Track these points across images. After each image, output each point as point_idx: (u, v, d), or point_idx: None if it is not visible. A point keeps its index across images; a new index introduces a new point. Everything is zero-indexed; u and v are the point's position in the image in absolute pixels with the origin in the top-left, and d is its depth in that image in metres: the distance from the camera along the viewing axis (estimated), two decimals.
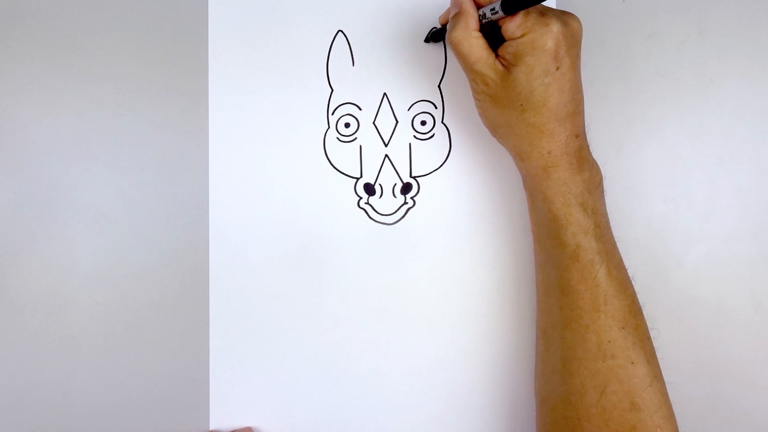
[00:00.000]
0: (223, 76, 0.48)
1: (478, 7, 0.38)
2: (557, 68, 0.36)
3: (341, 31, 0.48)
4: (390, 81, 0.47)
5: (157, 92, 0.48)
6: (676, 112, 0.46)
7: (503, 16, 0.36)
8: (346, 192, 0.48)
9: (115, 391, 0.48)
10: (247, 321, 0.48)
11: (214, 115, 0.48)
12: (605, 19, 0.46)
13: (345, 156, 0.48)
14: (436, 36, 0.46)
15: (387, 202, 0.47)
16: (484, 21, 0.38)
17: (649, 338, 0.38)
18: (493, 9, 0.37)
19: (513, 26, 0.36)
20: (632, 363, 0.37)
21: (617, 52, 0.46)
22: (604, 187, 0.40)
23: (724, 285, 0.46)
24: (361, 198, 0.48)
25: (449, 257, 0.47)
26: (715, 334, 0.46)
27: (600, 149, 0.46)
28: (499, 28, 0.37)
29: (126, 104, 0.48)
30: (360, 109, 0.48)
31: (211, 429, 0.48)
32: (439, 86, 0.47)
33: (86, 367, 0.47)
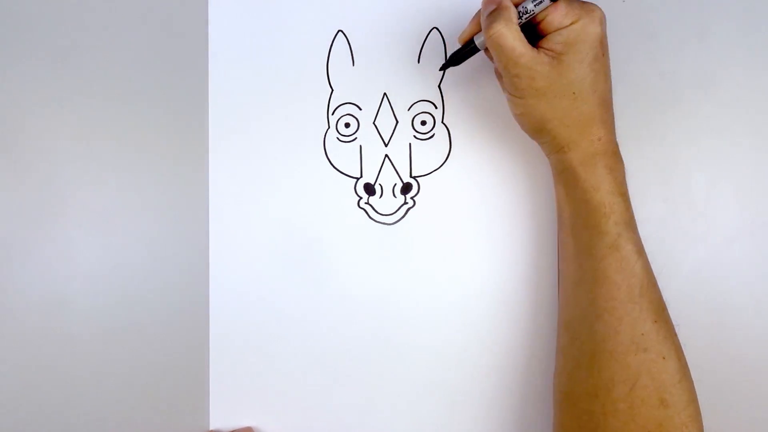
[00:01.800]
0: (223, 75, 0.48)
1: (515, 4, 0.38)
2: (603, 54, 0.37)
3: (341, 31, 0.48)
4: (390, 81, 0.47)
5: (157, 92, 0.48)
6: (676, 112, 0.46)
7: (548, 5, 0.36)
8: (346, 192, 0.48)
9: (115, 391, 0.47)
10: (247, 321, 0.48)
11: (214, 115, 0.48)
12: (605, 19, 0.46)
13: (345, 156, 0.48)
14: (457, 57, 0.43)
15: (387, 202, 0.47)
16: (523, 18, 0.37)
17: (676, 334, 0.38)
18: (537, 1, 0.37)
19: (560, 15, 0.36)
20: (663, 358, 0.36)
21: (617, 52, 0.46)
22: None
23: (724, 285, 0.46)
24: (361, 198, 0.48)
25: (449, 257, 0.47)
26: (715, 334, 0.46)
27: None
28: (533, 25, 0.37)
29: (125, 104, 0.48)
30: (360, 109, 0.48)
31: (211, 429, 0.48)
32: (439, 86, 0.47)
33: (86, 367, 0.47)
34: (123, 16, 0.48)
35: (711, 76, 0.46)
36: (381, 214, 0.47)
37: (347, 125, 0.48)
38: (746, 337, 0.46)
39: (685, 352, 0.44)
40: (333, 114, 0.48)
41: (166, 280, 0.48)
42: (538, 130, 0.40)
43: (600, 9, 0.37)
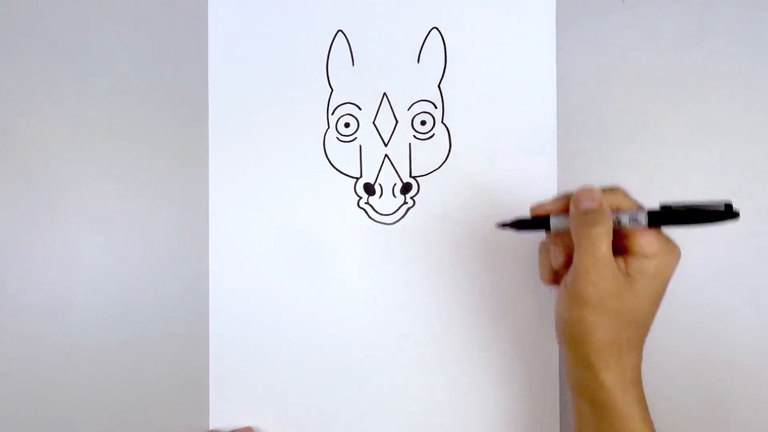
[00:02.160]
0: (223, 75, 0.48)
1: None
2: (664, 291, 0.38)
3: (341, 31, 0.48)
4: (390, 81, 0.47)
5: (157, 92, 0.48)
6: (676, 113, 0.46)
7: (642, 226, 0.37)
8: (346, 192, 0.48)
9: (115, 391, 0.48)
10: (247, 321, 0.48)
11: (214, 115, 0.48)
12: (605, 19, 0.46)
13: (345, 156, 0.48)
14: (522, 226, 0.41)
15: (387, 201, 0.47)
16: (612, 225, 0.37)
17: None
18: (634, 218, 0.37)
19: (647, 243, 0.37)
20: None
21: (617, 52, 0.46)
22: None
23: (724, 285, 0.46)
24: (361, 198, 0.48)
25: (449, 257, 0.47)
26: (715, 334, 0.46)
27: (600, 149, 0.46)
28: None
29: (126, 104, 0.48)
30: (360, 108, 0.48)
31: (210, 429, 0.48)
32: (439, 86, 0.47)
33: (86, 367, 0.47)
34: (123, 16, 0.48)
35: (711, 76, 0.46)
36: (381, 214, 0.47)
37: (347, 125, 0.48)
38: (746, 337, 0.46)
39: (685, 352, 0.44)
40: (333, 114, 0.48)
41: (166, 280, 0.48)
42: (579, 342, 0.39)
43: (679, 249, 0.38)
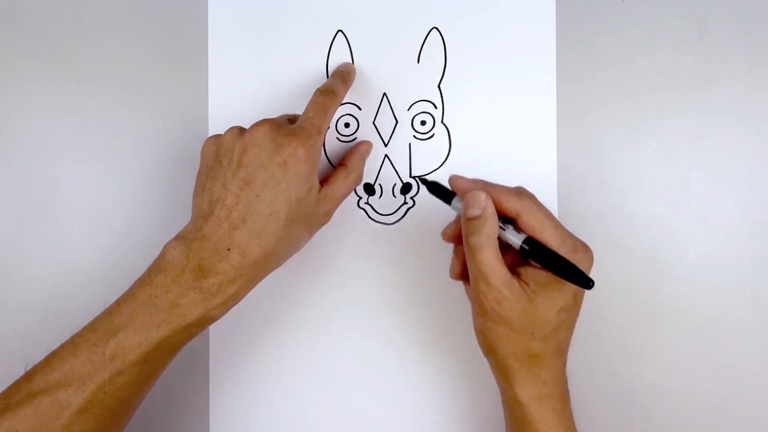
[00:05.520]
0: (223, 75, 0.48)
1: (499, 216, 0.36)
2: (574, 305, 0.37)
3: (341, 31, 0.48)
4: (390, 81, 0.47)
5: (157, 91, 0.48)
6: (676, 112, 0.46)
7: (517, 248, 0.36)
8: None
9: None
10: (247, 320, 0.48)
11: (214, 115, 0.48)
12: (605, 19, 0.46)
13: None
14: (433, 188, 0.40)
15: (387, 202, 0.47)
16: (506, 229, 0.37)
17: None
18: (512, 241, 0.36)
19: (553, 243, 0.35)
20: None
21: (617, 52, 0.46)
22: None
23: (724, 285, 0.46)
24: (360, 198, 0.48)
25: (449, 257, 0.47)
26: (715, 334, 0.46)
27: (600, 149, 0.46)
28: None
29: (126, 104, 0.48)
30: (360, 108, 0.48)
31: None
32: (439, 86, 0.47)
33: None
34: (123, 15, 0.48)
35: (711, 76, 0.46)
36: (381, 214, 0.47)
37: (347, 125, 0.48)
38: (746, 336, 0.46)
39: (685, 352, 0.44)
40: None
41: None
42: (489, 352, 0.39)
43: (590, 253, 0.36)
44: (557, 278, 0.35)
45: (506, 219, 0.37)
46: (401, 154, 0.47)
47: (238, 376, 0.48)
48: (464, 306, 0.46)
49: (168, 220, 0.48)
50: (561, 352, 0.38)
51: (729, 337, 0.46)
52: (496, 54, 0.47)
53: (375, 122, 0.47)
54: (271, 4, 0.48)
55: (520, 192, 0.37)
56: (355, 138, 0.48)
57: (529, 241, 0.36)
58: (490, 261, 0.35)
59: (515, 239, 0.36)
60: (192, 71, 0.48)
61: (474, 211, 0.36)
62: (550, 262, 0.35)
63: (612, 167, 0.46)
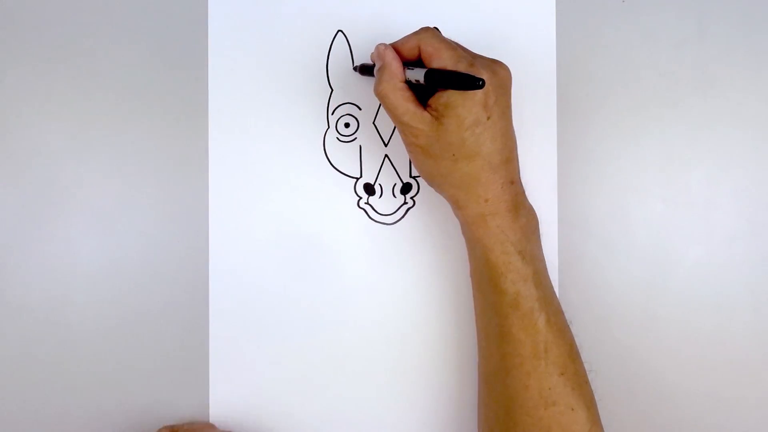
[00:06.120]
0: (223, 76, 0.48)
1: (403, 60, 0.38)
2: (488, 118, 0.36)
3: (341, 31, 0.48)
4: None
5: (157, 92, 0.48)
6: (676, 112, 0.46)
7: (422, 83, 0.37)
8: (346, 192, 0.48)
9: (116, 392, 0.47)
10: (247, 321, 0.48)
11: (214, 115, 0.48)
12: (605, 19, 0.46)
13: (345, 156, 0.48)
14: (365, 70, 0.44)
15: (387, 202, 0.47)
16: (413, 69, 0.37)
17: (587, 383, 0.39)
18: (416, 78, 0.37)
19: (451, 65, 0.36)
20: (572, 409, 0.37)
21: (617, 52, 0.46)
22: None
23: (724, 285, 0.46)
24: (361, 198, 0.48)
25: (449, 257, 0.47)
26: (715, 334, 0.46)
27: (600, 149, 0.46)
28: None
29: (125, 105, 0.48)
30: (360, 109, 0.48)
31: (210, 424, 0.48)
32: None
33: (85, 367, 0.47)
34: (123, 15, 0.48)
35: (711, 76, 0.46)
36: (381, 214, 0.47)
37: (347, 125, 0.48)
38: (746, 336, 0.46)
39: (685, 352, 0.44)
40: (333, 114, 0.48)
41: (166, 280, 0.48)
42: (430, 183, 0.40)
43: (490, 72, 0.36)
44: (457, 94, 0.36)
45: (414, 62, 0.38)
46: (401, 154, 0.47)
47: (238, 376, 0.48)
48: (464, 306, 0.46)
49: (168, 220, 0.48)
50: (495, 167, 0.37)
51: (729, 337, 0.46)
52: (496, 54, 0.47)
53: (375, 122, 0.47)
54: (271, 4, 0.48)
55: (420, 29, 0.39)
56: (355, 138, 0.48)
57: (428, 71, 0.37)
58: (397, 102, 0.37)
59: (419, 76, 0.37)
60: (192, 72, 0.48)
61: (377, 63, 0.38)
62: (443, 80, 0.36)
63: (612, 167, 0.46)
